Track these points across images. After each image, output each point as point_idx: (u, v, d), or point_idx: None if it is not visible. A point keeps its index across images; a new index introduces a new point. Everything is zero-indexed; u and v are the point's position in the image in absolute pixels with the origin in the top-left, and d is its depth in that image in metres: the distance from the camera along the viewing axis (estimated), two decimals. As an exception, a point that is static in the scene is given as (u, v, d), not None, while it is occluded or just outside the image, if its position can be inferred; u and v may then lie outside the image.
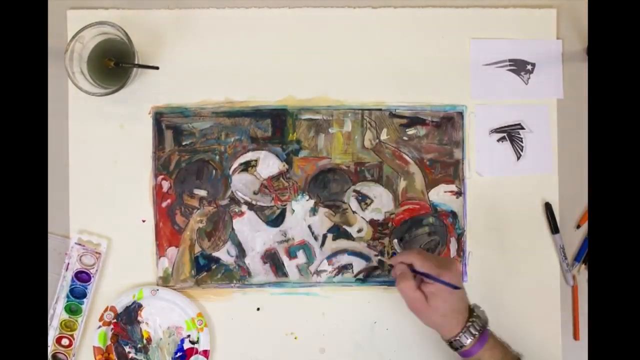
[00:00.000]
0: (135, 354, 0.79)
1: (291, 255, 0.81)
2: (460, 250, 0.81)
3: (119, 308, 0.78)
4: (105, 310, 0.78)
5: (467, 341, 0.68)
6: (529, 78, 0.82)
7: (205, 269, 0.80)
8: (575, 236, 0.82)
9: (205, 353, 0.78)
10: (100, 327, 0.78)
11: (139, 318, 0.79)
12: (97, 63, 0.77)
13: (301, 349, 0.80)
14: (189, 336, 0.79)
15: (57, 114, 0.79)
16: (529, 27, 0.82)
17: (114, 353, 0.79)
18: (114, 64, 0.76)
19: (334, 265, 0.81)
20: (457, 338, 0.68)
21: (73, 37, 0.74)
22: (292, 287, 0.81)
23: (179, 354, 0.79)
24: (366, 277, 0.81)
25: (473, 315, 0.69)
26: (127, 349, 0.79)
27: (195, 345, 0.79)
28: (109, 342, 0.79)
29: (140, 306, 0.79)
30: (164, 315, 0.79)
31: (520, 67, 0.82)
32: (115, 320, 0.79)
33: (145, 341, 0.79)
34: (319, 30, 0.81)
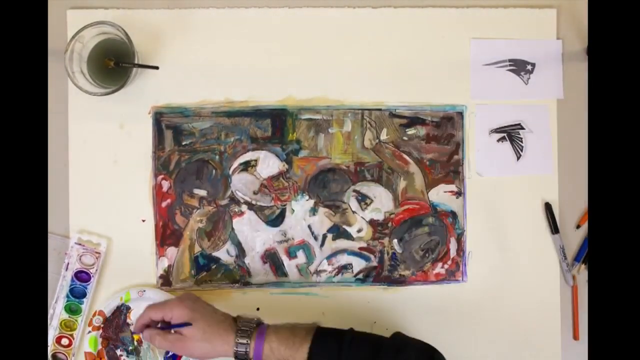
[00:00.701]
0: (127, 356, 0.79)
1: (291, 255, 0.81)
2: (460, 250, 0.81)
3: (107, 312, 0.78)
4: (94, 315, 0.78)
5: (245, 347, 0.66)
6: (529, 78, 0.82)
7: (205, 268, 0.80)
8: (575, 236, 0.82)
9: None
10: (90, 332, 0.78)
11: (127, 320, 0.79)
12: (97, 63, 0.77)
13: (301, 349, 0.80)
14: None
15: (57, 114, 0.79)
16: (529, 27, 0.82)
17: (105, 357, 0.78)
18: (114, 63, 0.76)
19: (334, 265, 0.81)
20: (236, 348, 0.66)
21: (73, 37, 0.74)
22: (292, 287, 0.81)
23: (170, 354, 0.79)
24: (366, 277, 0.81)
25: (238, 322, 0.68)
26: (118, 352, 0.79)
27: None
28: (99, 347, 0.78)
29: (128, 308, 0.79)
30: None
31: (520, 67, 0.82)
32: (104, 325, 0.78)
33: (136, 343, 0.79)
34: (319, 30, 0.81)
